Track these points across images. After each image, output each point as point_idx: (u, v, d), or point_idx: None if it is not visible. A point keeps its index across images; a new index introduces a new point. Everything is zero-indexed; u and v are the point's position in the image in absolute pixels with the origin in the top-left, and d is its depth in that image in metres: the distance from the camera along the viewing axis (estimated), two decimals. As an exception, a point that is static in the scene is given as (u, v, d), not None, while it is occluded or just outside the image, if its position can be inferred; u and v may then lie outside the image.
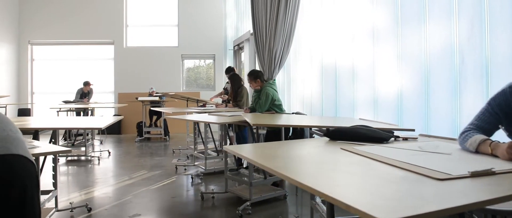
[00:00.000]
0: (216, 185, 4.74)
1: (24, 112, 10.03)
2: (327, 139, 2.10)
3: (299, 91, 5.29)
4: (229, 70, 7.06)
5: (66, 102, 8.45)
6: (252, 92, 4.67)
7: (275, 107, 4.34)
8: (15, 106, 9.98)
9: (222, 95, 7.22)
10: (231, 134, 5.40)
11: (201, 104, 6.80)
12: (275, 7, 5.52)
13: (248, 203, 3.71)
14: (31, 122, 4.26)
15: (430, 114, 3.74)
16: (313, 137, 3.31)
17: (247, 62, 8.03)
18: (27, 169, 1.32)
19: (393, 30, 3.92)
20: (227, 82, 7.20)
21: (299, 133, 4.46)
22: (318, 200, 3.26)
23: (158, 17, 10.93)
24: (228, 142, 5.44)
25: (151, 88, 9.40)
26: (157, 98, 8.87)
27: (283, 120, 3.21)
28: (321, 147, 1.90)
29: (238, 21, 9.19)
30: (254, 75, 4.43)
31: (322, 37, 4.76)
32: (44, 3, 10.51)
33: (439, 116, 3.69)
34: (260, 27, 6.27)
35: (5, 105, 8.41)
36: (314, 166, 1.54)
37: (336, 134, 2.06)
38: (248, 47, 7.98)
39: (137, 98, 8.89)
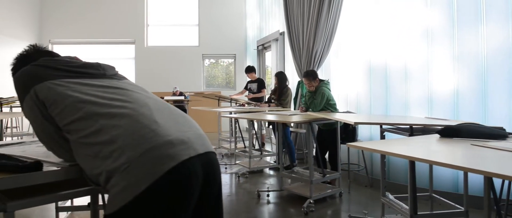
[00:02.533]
0: (263, 183, 4.80)
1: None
2: (437, 136, 2.16)
3: (342, 90, 5.34)
4: (250, 70, 7.12)
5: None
6: (306, 93, 4.72)
7: (330, 106, 4.40)
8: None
9: (247, 94, 7.28)
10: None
11: (240, 103, 6.84)
12: (315, 7, 5.58)
13: (311, 200, 3.77)
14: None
15: (487, 113, 3.81)
16: (384, 136, 3.37)
17: (276, 62, 8.08)
18: (219, 165, 1.36)
19: (448, 31, 3.99)
20: (249, 81, 7.26)
21: (350, 132, 4.53)
22: (391, 197, 3.32)
23: (179, 16, 10.96)
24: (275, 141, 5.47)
25: (175, 88, 9.44)
26: (182, 98, 8.91)
27: (365, 119, 3.26)
28: (447, 144, 1.95)
29: (262, 21, 9.24)
30: (313, 75, 4.49)
31: (370, 37, 4.82)
32: (65, 2, 10.52)
33: (496, 115, 3.76)
34: (296, 28, 6.33)
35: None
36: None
37: (449, 132, 2.12)
38: (276, 47, 8.03)
39: (162, 98, 8.92)
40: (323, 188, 4.17)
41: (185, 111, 9.09)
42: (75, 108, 1.22)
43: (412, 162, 2.73)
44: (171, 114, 1.31)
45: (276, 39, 8.09)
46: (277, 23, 7.97)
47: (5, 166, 1.18)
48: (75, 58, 1.50)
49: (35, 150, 1.62)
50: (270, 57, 8.74)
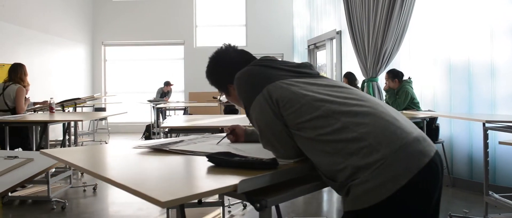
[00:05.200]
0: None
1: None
2: None
3: (415, 89, 5.27)
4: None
5: (150, 101, 8.67)
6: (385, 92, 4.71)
7: (414, 105, 4.37)
8: (89, 106, 10.27)
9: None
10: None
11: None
12: (385, 6, 5.52)
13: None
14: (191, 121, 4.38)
15: None
16: (487, 134, 3.31)
17: (331, 61, 8.07)
18: None
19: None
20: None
21: (433, 131, 4.48)
22: (496, 196, 3.27)
23: (226, 17, 11.10)
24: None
25: (226, 87, 9.51)
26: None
27: (498, 117, 3.22)
28: None
29: (313, 20, 9.23)
30: (393, 74, 4.48)
31: (449, 34, 4.74)
32: (116, 5, 10.81)
33: None
34: (360, 27, 6.28)
35: (92, 105, 8.69)
36: None
37: None
38: (332, 46, 8.02)
39: (215, 97, 9.03)
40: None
41: (236, 111, 9.17)
42: (313, 107, 1.25)
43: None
44: (396, 112, 1.33)
45: (331, 39, 8.07)
46: (332, 22, 7.95)
47: (246, 163, 1.23)
48: (273, 58, 1.54)
49: (214, 147, 1.68)
50: (323, 57, 8.72)
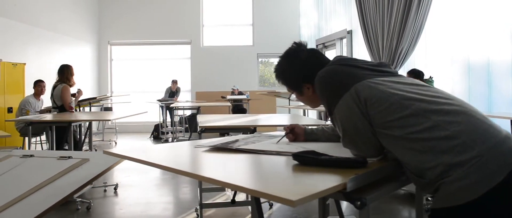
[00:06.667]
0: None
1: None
2: None
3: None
4: None
5: (160, 100, 8.65)
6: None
7: (436, 104, 4.39)
8: (98, 106, 10.22)
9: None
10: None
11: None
12: (400, 6, 5.54)
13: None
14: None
15: None
16: None
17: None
18: None
19: None
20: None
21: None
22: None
23: (233, 16, 11.10)
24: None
25: (234, 86, 9.53)
26: (244, 97, 9.00)
27: None
28: None
29: (321, 20, 9.24)
30: (415, 74, 4.51)
31: (469, 33, 4.77)
32: (122, 5, 10.78)
33: None
34: (373, 26, 6.30)
35: (101, 105, 8.65)
36: None
37: None
38: (342, 45, 8.04)
39: (223, 97, 9.03)
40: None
41: (244, 110, 9.19)
42: (402, 105, 1.26)
43: None
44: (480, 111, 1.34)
45: (341, 38, 8.08)
46: (343, 22, 7.97)
47: (336, 162, 1.23)
48: (351, 57, 1.54)
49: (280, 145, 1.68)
50: (333, 56, 8.73)
